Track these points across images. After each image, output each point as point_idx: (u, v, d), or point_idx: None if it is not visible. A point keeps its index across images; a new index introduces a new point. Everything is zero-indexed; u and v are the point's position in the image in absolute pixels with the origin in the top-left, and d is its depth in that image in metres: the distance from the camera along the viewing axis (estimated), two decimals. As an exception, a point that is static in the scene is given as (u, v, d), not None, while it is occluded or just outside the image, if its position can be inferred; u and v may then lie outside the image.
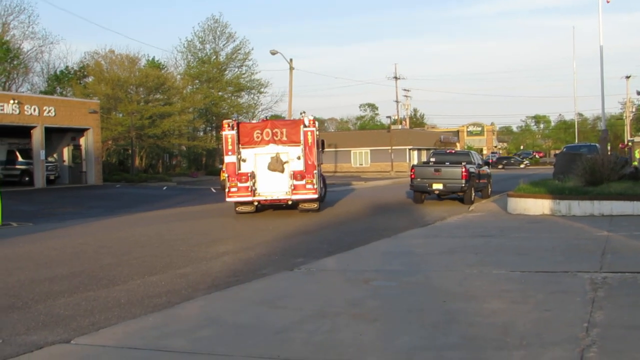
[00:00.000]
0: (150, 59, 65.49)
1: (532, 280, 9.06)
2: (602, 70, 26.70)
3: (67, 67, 62.88)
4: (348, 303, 8.02)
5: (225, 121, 22.01)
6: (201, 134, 69.04)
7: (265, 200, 21.46)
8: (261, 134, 21.37)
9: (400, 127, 77.03)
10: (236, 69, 68.93)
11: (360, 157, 73.32)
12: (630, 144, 58.27)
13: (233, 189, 20.97)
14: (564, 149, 35.56)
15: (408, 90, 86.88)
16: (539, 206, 19.21)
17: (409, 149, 70.65)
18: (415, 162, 71.93)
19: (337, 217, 21.04)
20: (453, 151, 30.00)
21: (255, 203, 21.59)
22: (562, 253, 11.51)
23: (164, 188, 42.62)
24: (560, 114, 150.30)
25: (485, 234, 15.16)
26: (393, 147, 68.47)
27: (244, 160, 21.27)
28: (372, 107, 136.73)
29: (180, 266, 11.58)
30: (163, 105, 55.25)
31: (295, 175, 20.92)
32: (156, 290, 9.46)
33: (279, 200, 21.43)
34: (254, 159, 21.32)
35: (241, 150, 21.25)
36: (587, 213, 18.17)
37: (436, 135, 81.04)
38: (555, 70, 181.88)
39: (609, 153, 24.43)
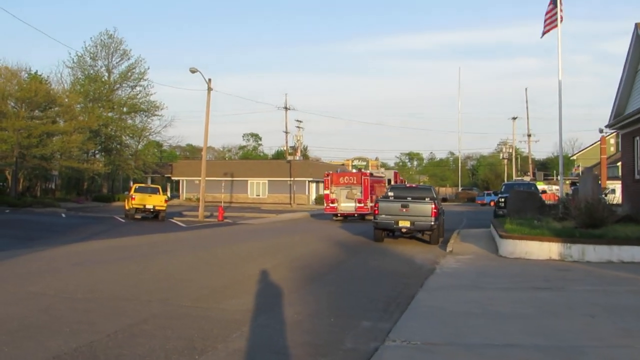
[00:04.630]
0: (32, 72, 59.07)
1: None
2: (560, 106, 25.39)
3: None
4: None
5: (325, 172, 39.09)
6: (87, 156, 62.82)
7: (343, 213, 36.64)
8: (343, 179, 37.10)
9: (297, 158, 74.49)
10: (129, 89, 63.84)
11: (257, 188, 69.84)
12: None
13: (327, 207, 37.24)
14: (504, 187, 34.39)
15: (301, 121, 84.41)
16: (545, 250, 17.14)
17: (309, 181, 68.11)
18: (314, 194, 69.58)
19: (315, 257, 17.97)
20: (415, 185, 27.73)
21: (339, 215, 36.81)
22: None
23: (63, 215, 37.44)
24: (431, 152, 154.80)
25: (538, 285, 12.73)
26: (292, 179, 65.98)
27: (334, 193, 36.73)
28: (256, 137, 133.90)
29: (224, 336, 8.15)
30: (52, 124, 49.50)
31: (358, 201, 36.32)
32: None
33: (351, 213, 36.50)
34: (339, 192, 36.70)
35: (333, 187, 36.82)
36: (603, 259, 16.28)
37: (334, 167, 79.02)
38: (423, 109, 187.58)
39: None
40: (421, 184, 59.98)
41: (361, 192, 36.14)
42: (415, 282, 13.20)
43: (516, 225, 19.97)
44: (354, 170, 36.98)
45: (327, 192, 37.28)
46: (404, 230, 22.18)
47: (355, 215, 36.52)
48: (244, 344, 7.80)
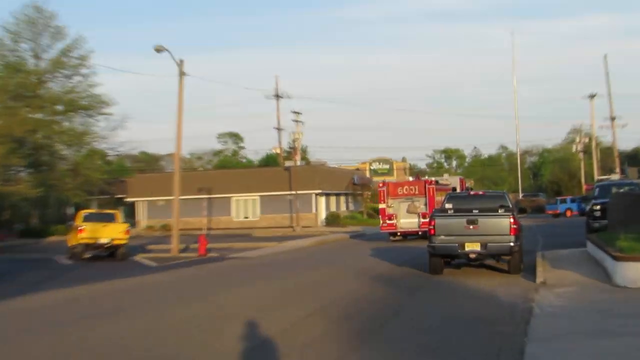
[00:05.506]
0: None
1: None
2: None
3: None
4: None
5: (379, 182, 45.27)
6: (8, 175, 62.11)
7: (404, 231, 40.15)
8: (402, 189, 40.59)
9: (297, 163, 73.94)
10: (65, 79, 63.12)
11: (245, 207, 69.11)
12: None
13: (384, 225, 40.55)
14: (597, 190, 33.94)
15: (299, 113, 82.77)
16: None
17: (316, 194, 67.18)
18: (323, 212, 69.12)
19: (357, 301, 17.51)
20: (481, 193, 27.25)
21: (398, 234, 40.47)
22: None
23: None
24: (475, 147, 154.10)
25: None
26: (293, 192, 65.33)
27: (391, 207, 40.09)
28: (236, 137, 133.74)
29: None
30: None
31: (423, 215, 38.15)
32: None
33: (413, 231, 39.54)
34: (398, 205, 40.25)
35: (390, 200, 40.24)
36: None
37: (347, 174, 78.67)
38: (462, 91, 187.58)
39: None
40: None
41: (426, 205, 38.96)
42: (514, 331, 12.94)
43: (633, 241, 19.47)
44: (412, 179, 42.29)
45: (382, 206, 40.61)
46: (472, 255, 21.61)
47: (419, 233, 38.34)
48: None
